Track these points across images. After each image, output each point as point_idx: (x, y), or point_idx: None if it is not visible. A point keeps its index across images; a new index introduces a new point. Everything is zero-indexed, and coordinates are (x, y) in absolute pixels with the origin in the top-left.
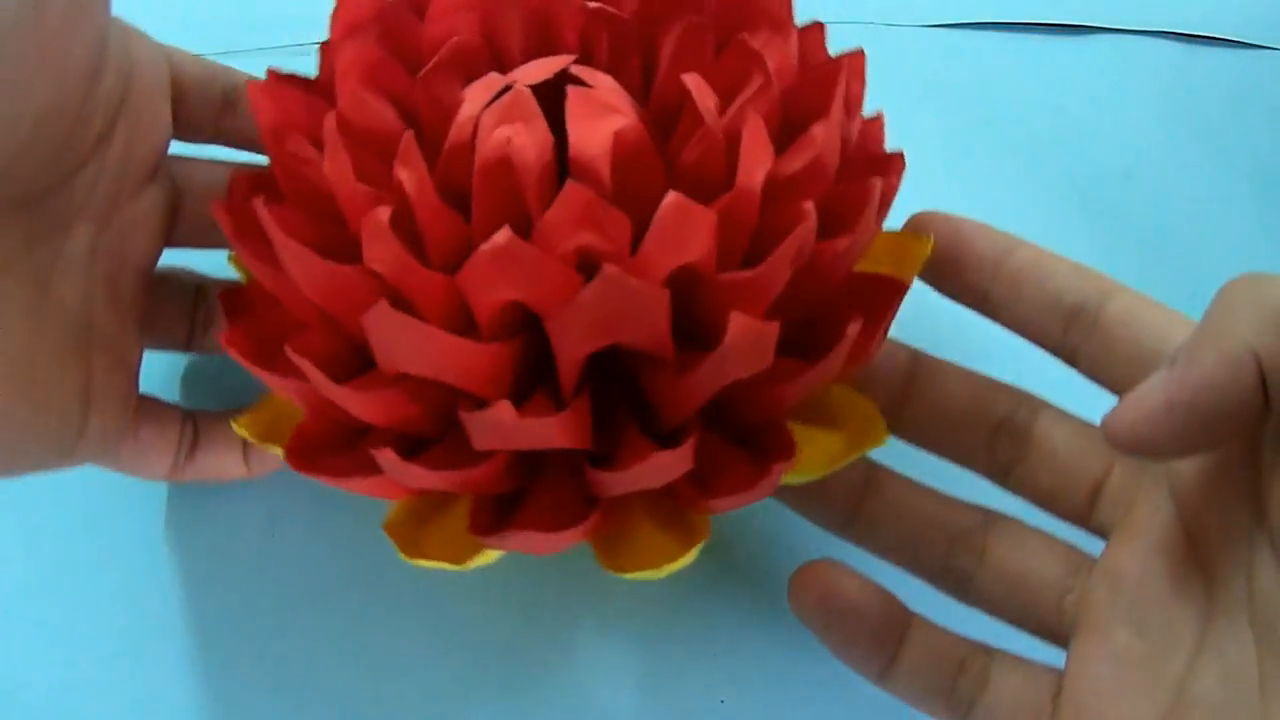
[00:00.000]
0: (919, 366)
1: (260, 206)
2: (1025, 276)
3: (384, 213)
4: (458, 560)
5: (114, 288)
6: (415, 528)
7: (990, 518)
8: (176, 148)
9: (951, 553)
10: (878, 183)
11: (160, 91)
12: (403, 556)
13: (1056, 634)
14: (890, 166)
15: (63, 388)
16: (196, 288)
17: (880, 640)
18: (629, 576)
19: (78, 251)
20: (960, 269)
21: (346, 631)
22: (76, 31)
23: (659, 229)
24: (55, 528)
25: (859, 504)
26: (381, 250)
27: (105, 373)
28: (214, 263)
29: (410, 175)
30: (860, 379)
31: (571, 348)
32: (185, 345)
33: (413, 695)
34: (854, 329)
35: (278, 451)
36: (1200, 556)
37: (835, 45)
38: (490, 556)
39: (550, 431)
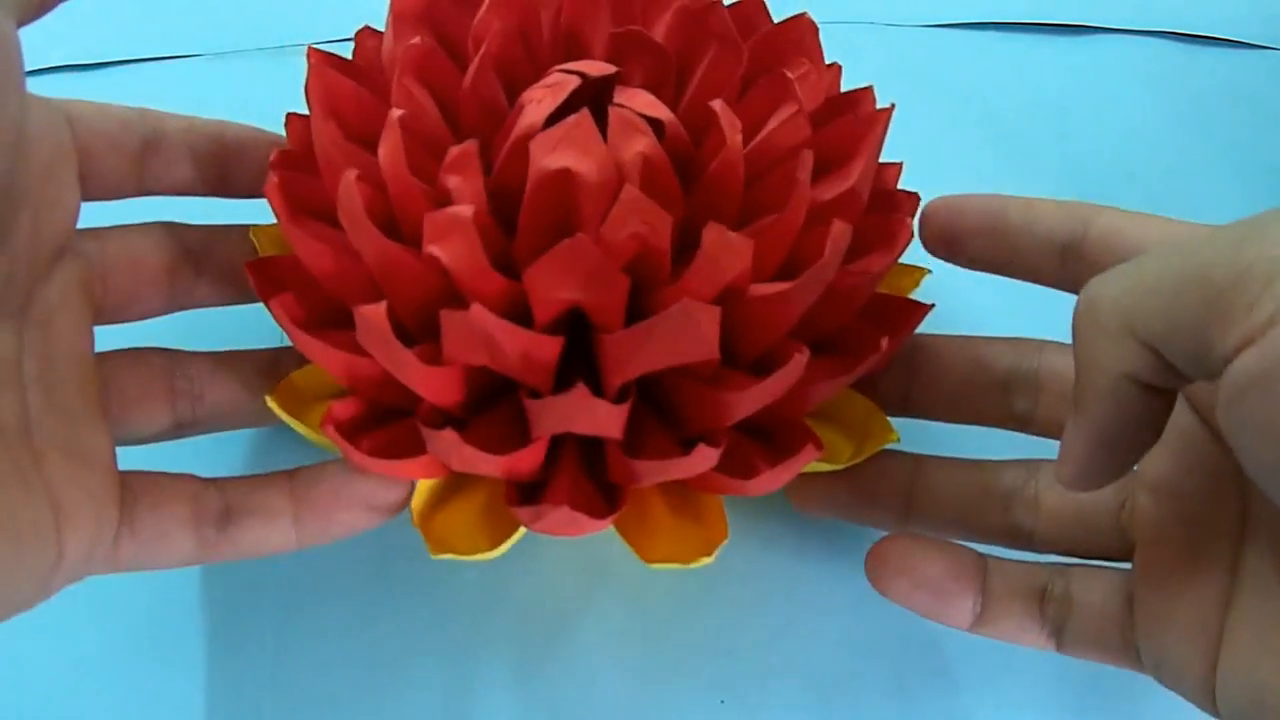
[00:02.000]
0: (915, 347)
1: (347, 179)
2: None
3: (466, 210)
4: (479, 550)
5: (50, 386)
6: (435, 519)
7: (1031, 467)
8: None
9: (1009, 511)
10: (908, 219)
11: (63, 161)
12: (432, 554)
13: (1122, 551)
14: (906, 204)
15: (18, 519)
16: (170, 364)
17: (963, 592)
18: (658, 567)
19: (3, 358)
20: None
21: (350, 626)
22: None
23: (704, 257)
24: None
25: (909, 497)
26: (458, 244)
27: (67, 483)
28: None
29: (461, 181)
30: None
31: (624, 368)
32: (173, 430)
33: (410, 690)
34: (885, 344)
35: (309, 433)
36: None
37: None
38: (505, 548)
39: (607, 418)
